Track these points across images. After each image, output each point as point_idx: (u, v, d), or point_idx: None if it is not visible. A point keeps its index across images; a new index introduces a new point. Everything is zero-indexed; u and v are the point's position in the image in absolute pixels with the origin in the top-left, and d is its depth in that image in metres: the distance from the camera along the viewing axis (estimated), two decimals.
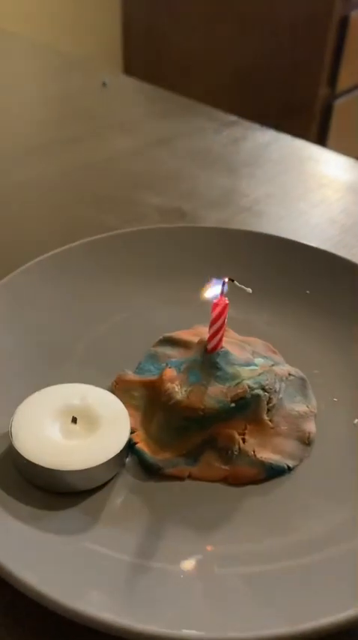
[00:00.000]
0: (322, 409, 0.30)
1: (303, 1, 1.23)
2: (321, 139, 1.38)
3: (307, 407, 0.30)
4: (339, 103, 1.37)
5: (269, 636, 0.20)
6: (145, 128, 0.60)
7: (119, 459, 0.26)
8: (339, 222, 0.47)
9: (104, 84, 0.67)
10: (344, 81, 1.35)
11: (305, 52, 1.29)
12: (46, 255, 0.36)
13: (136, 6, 1.45)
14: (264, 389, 0.28)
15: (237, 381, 0.28)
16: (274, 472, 0.27)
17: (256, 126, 0.60)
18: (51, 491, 0.25)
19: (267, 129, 0.60)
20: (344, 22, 1.26)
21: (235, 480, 0.27)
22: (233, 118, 0.62)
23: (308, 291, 0.36)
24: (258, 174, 0.53)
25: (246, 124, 0.61)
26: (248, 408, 0.28)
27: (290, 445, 0.28)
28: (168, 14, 1.41)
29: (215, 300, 0.28)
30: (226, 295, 0.28)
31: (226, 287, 0.29)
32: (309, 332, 0.34)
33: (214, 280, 0.29)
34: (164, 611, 0.21)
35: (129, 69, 1.53)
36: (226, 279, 0.28)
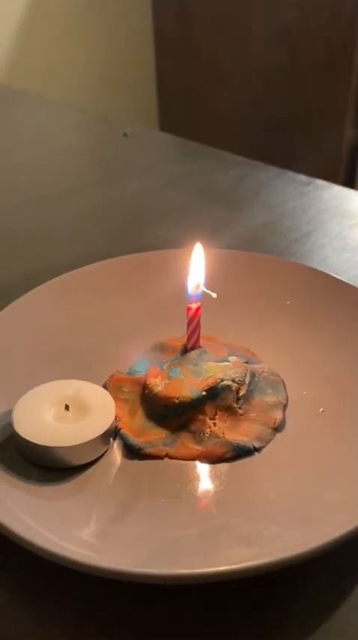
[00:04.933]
0: (293, 401, 0.34)
1: (324, 49, 1.30)
2: (350, 180, 1.42)
3: (276, 398, 0.33)
4: None
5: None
6: (158, 171, 0.66)
7: (103, 439, 0.30)
8: (330, 246, 0.51)
9: (125, 134, 0.74)
10: None
11: (330, 97, 1.35)
12: (56, 279, 0.41)
13: (169, 66, 1.56)
14: (233, 380, 0.32)
15: (209, 374, 0.32)
16: (241, 451, 0.30)
17: (261, 164, 0.65)
18: (46, 467, 0.29)
19: (271, 166, 0.65)
20: None
21: (206, 458, 0.30)
22: (240, 158, 0.67)
23: (288, 302, 0.40)
24: (258, 206, 0.58)
25: (252, 162, 0.66)
26: (218, 396, 0.32)
27: (258, 429, 0.31)
28: (199, 72, 1.51)
29: (188, 305, 0.33)
30: (199, 300, 0.33)
31: (200, 293, 0.33)
32: (287, 337, 0.38)
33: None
34: (132, 553, 0.25)
35: (165, 126, 1.63)
36: (197, 286, 0.32)
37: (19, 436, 0.29)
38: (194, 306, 0.32)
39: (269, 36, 1.35)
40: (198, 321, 0.33)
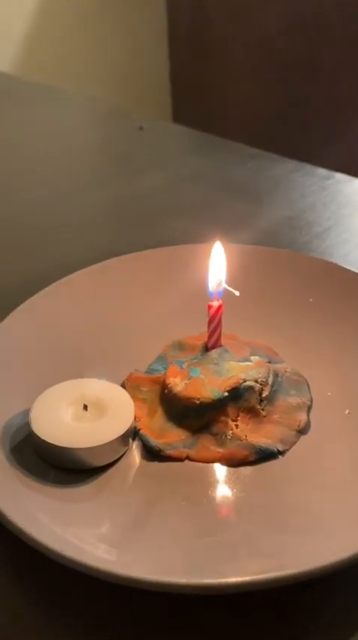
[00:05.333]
0: (317, 402, 0.33)
1: (341, 40, 1.28)
2: None
3: (300, 399, 0.32)
4: None
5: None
6: (175, 164, 0.65)
7: (122, 440, 0.29)
8: (352, 241, 0.50)
9: (141, 128, 0.73)
10: None
11: (348, 88, 1.33)
12: (71, 276, 0.40)
13: (183, 58, 1.55)
14: (256, 381, 0.31)
15: (231, 374, 0.31)
16: (264, 454, 0.29)
17: (278, 157, 0.64)
18: (64, 468, 0.29)
19: (290, 159, 0.64)
20: None
21: (228, 461, 0.29)
22: (257, 150, 0.66)
23: (311, 299, 0.39)
24: (277, 200, 0.57)
25: (269, 155, 0.65)
26: (240, 397, 0.31)
27: (281, 431, 0.31)
28: (214, 65, 1.49)
29: (209, 303, 0.32)
30: (220, 298, 0.32)
31: (221, 291, 0.32)
32: (310, 336, 0.37)
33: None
34: (150, 560, 0.24)
35: (179, 119, 1.61)
36: (219, 283, 0.31)
37: (37, 436, 0.29)
38: (215, 304, 0.31)
39: (285, 27, 1.33)
40: (220, 320, 0.32)
